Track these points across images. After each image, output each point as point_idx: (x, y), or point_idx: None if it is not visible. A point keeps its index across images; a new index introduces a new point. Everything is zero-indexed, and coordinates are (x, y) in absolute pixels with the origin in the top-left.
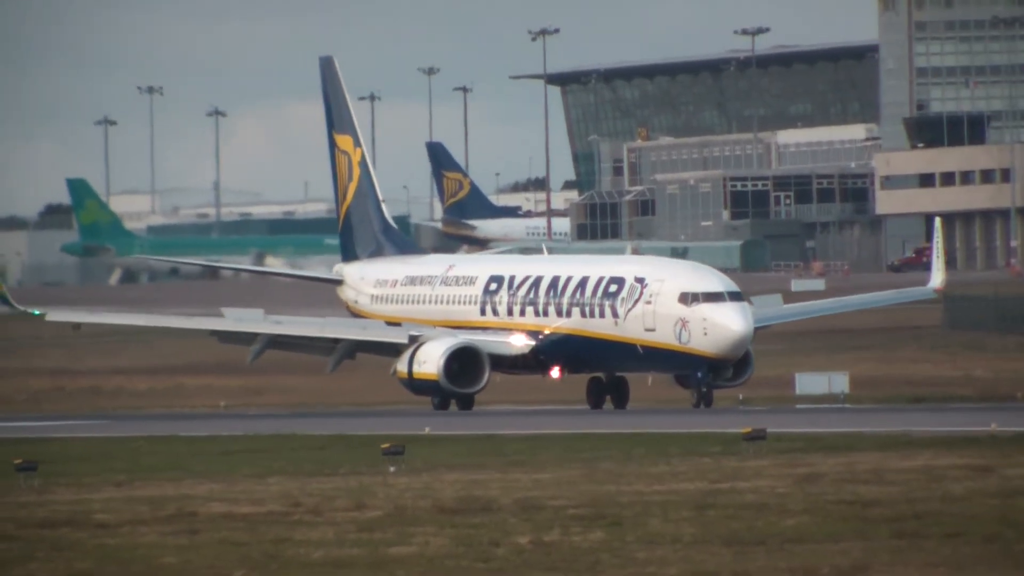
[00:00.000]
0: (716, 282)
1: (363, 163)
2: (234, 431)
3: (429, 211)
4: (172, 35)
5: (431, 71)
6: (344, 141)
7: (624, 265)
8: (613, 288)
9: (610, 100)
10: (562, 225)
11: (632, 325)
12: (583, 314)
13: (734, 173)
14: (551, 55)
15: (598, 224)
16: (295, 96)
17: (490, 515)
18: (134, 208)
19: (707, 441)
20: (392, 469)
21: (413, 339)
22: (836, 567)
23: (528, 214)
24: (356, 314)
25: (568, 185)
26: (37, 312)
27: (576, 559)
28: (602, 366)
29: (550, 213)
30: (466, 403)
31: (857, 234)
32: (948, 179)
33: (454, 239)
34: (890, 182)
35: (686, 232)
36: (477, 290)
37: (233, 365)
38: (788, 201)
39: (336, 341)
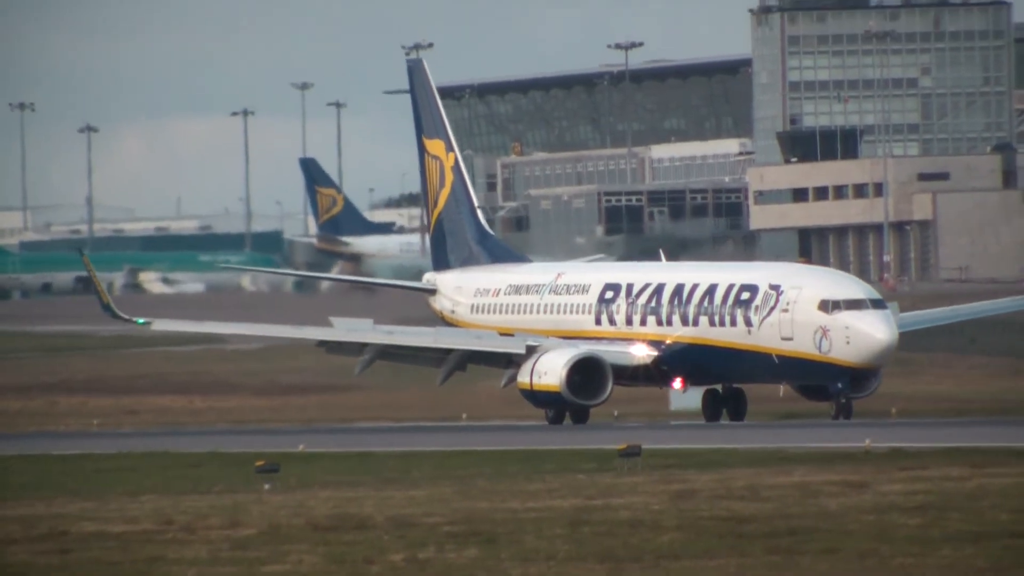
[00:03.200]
0: (857, 289)
1: (456, 168)
2: (107, 449)
3: (303, 227)
4: (43, 50)
5: (304, 86)
6: (435, 146)
7: (756, 271)
8: (745, 295)
9: (484, 115)
10: None
11: (767, 334)
12: (712, 323)
13: (608, 188)
14: None
15: None
16: (168, 112)
17: (364, 532)
18: (6, 225)
19: (582, 457)
20: (267, 487)
21: (531, 349)
22: None
23: (402, 230)
24: (452, 324)
25: None
26: (142, 321)
27: None
28: (730, 377)
29: (424, 229)
30: (581, 416)
31: (731, 249)
32: (821, 193)
33: (328, 255)
34: (764, 197)
35: (560, 247)
36: (591, 299)
37: (106, 383)
38: (662, 216)
39: (448, 352)
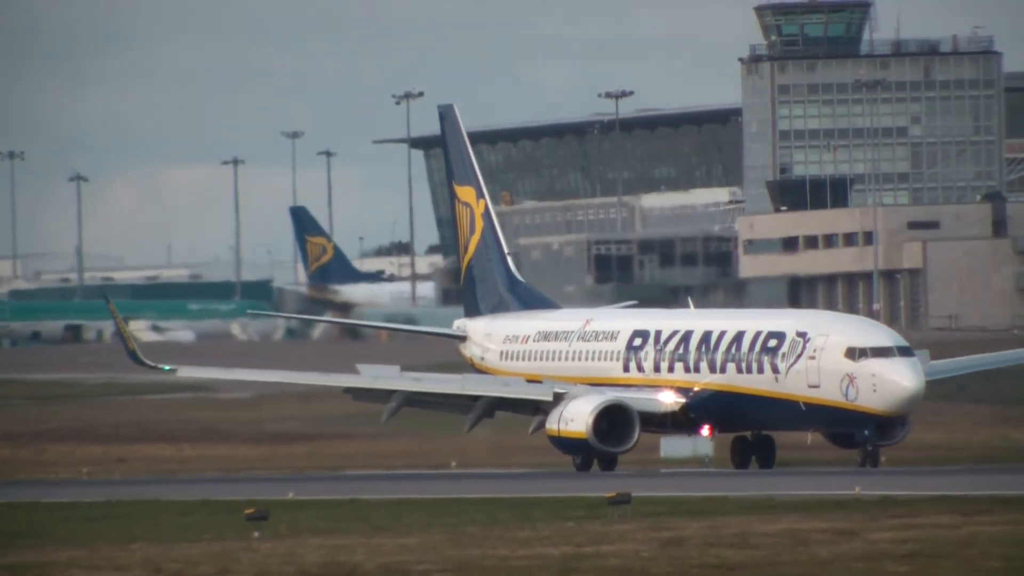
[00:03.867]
0: (884, 336)
1: (487, 215)
2: (97, 497)
3: (293, 275)
4: (34, 100)
5: (295, 135)
6: (465, 192)
7: (782, 319)
8: (773, 343)
9: None
10: (427, 290)
11: (794, 381)
12: (739, 370)
13: (598, 237)
14: (415, 119)
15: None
16: (158, 161)
17: None
18: None
19: (572, 505)
20: (256, 534)
21: (559, 396)
22: None
23: (392, 278)
24: (482, 371)
25: (432, 249)
26: (168, 368)
27: None
28: (757, 424)
29: (415, 278)
30: (609, 463)
31: (721, 298)
32: (811, 242)
33: (318, 304)
34: (753, 246)
35: (551, 296)
36: (619, 345)
37: (95, 431)
38: (652, 264)
39: (475, 399)
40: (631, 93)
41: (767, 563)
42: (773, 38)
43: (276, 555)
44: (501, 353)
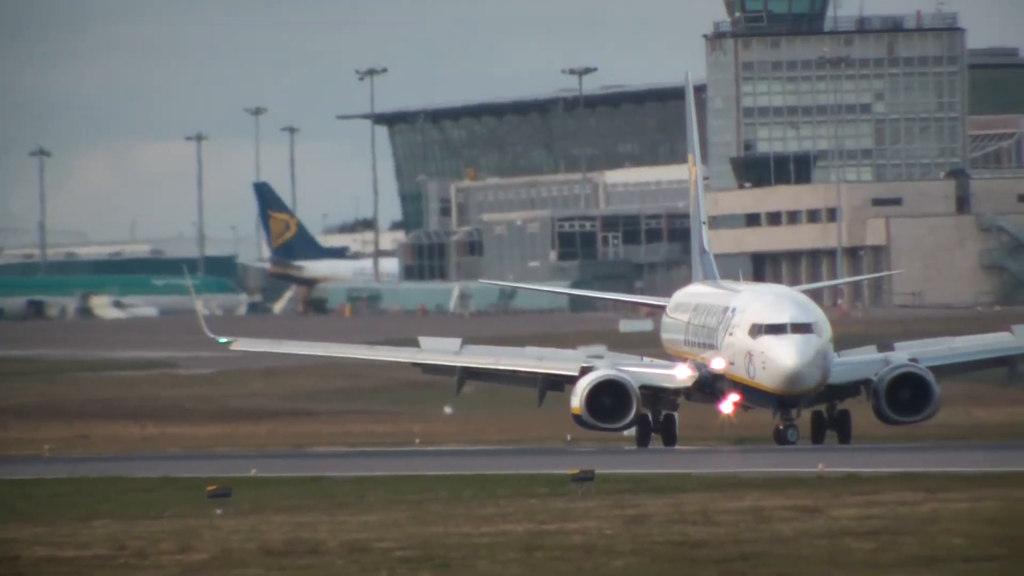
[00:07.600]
0: (786, 313)
1: (697, 183)
2: (59, 474)
3: (257, 251)
4: None
5: (258, 111)
6: (690, 160)
7: (739, 295)
8: (727, 317)
9: (437, 140)
10: (390, 266)
11: (722, 357)
12: (712, 346)
13: (561, 213)
14: (378, 95)
15: (426, 265)
16: (122, 136)
17: (317, 557)
18: None
19: (535, 482)
20: (219, 511)
21: (584, 371)
22: None
23: (356, 255)
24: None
25: (396, 226)
26: (224, 341)
27: None
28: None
29: (378, 254)
30: (668, 436)
31: (685, 274)
32: (775, 219)
33: (282, 279)
34: (717, 222)
35: (514, 272)
36: (687, 318)
37: (58, 408)
38: (616, 241)
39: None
40: (595, 69)
41: (730, 540)
42: (737, 14)
43: (239, 532)
44: (664, 324)
